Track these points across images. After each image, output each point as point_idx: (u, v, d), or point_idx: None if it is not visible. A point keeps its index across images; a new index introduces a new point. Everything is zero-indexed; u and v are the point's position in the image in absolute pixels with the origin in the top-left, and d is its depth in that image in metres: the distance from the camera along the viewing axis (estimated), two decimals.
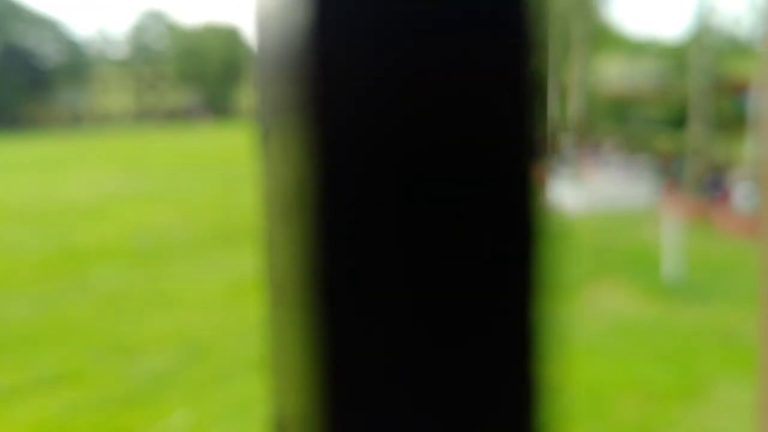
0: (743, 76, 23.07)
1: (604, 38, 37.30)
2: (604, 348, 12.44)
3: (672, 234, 16.21)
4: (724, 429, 9.59)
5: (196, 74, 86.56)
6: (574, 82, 29.49)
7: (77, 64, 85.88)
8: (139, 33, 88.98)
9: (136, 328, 14.00)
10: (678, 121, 31.60)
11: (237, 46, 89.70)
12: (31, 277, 17.25)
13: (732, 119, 29.29)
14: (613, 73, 41.42)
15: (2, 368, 10.39)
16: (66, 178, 39.16)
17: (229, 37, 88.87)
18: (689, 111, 24.52)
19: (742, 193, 21.83)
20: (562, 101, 35.95)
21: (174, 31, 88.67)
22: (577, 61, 28.96)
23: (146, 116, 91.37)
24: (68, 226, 25.33)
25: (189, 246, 21.32)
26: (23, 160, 51.12)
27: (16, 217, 27.48)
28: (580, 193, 25.54)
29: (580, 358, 12.03)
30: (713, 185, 24.15)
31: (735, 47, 22.28)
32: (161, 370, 11.78)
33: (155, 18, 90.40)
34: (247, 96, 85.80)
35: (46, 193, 33.51)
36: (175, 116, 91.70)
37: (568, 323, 13.65)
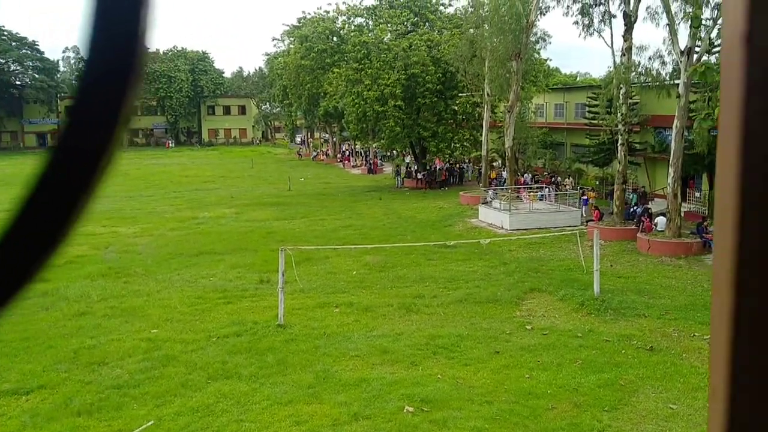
0: (668, 113, 23.85)
1: (540, 75, 38.05)
2: (540, 357, 12.58)
3: (599, 255, 16.55)
4: None
5: (163, 98, 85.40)
6: (510, 117, 30.02)
7: (48, 85, 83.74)
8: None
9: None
10: (606, 152, 32.37)
11: (204, 71, 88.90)
12: None
13: (656, 152, 30.14)
14: (548, 108, 42.23)
15: None
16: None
17: (197, 63, 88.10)
18: (615, 144, 25.19)
19: (662, 220, 22.44)
20: (499, 133, 36.58)
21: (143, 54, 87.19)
22: (514, 96, 29.54)
23: None
24: None
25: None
26: None
27: None
28: (515, 216, 26.01)
29: (516, 367, 12.13)
30: (638, 212, 24.81)
31: (661, 86, 22.91)
32: None
33: None
34: (208, 121, 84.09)
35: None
36: (142, 138, 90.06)
37: (507, 335, 13.75)
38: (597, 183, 33.62)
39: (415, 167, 42.43)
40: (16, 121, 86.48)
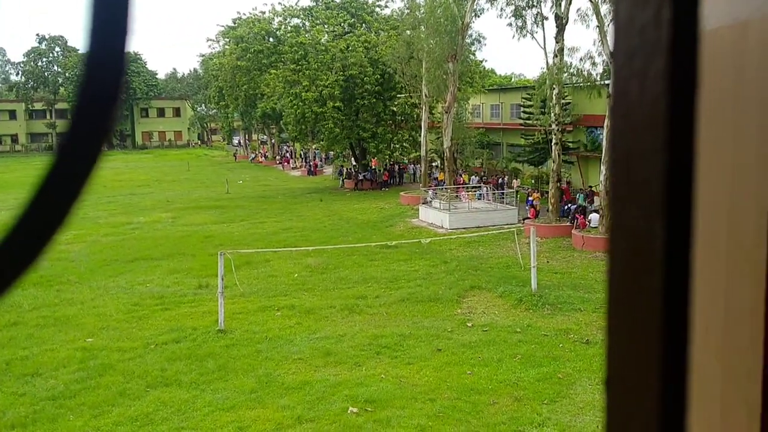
0: (600, 113, 24.57)
1: (476, 76, 38.61)
2: (481, 353, 12.78)
3: (536, 252, 16.93)
4: (584, 426, 10.04)
5: None
6: (447, 117, 30.39)
7: None
8: (36, 57, 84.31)
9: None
10: (541, 151, 33.11)
11: (137, 72, 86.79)
12: None
13: (588, 150, 31.01)
14: (484, 109, 42.93)
15: None
16: None
17: (129, 64, 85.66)
18: (549, 143, 25.82)
19: (596, 216, 23.12)
20: (437, 134, 36.97)
21: (73, 55, 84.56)
22: (451, 97, 29.93)
23: (40, 141, 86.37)
24: None
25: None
26: None
27: None
28: (454, 216, 26.35)
29: (458, 364, 12.29)
30: (571, 209, 25.48)
31: (592, 86, 23.57)
32: None
33: (54, 42, 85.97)
34: (138, 124, 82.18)
35: None
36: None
37: (449, 332, 13.93)
38: (533, 182, 34.33)
39: (356, 168, 42.46)
40: None
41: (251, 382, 11.68)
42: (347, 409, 10.49)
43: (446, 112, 31.08)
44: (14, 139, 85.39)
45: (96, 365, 12.55)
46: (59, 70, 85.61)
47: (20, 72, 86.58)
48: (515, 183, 33.96)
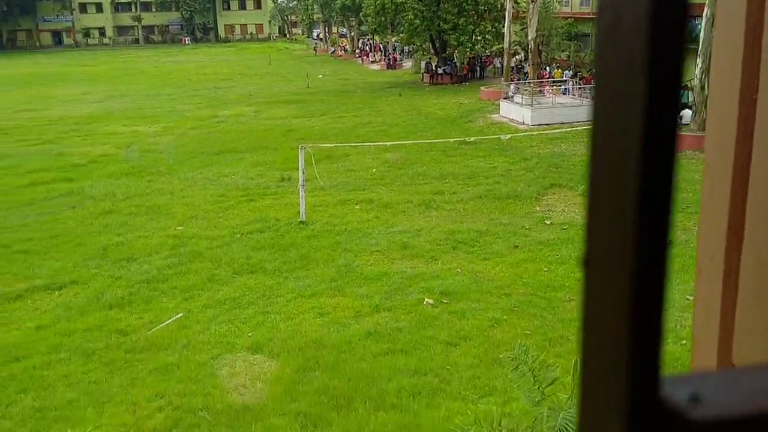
0: (698, 1, 22.87)
1: None
2: (558, 251, 12.73)
3: None
4: None
5: None
6: (533, 7, 28.95)
7: None
8: None
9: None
10: None
11: None
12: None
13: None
14: None
15: None
16: (51, 95, 37.95)
17: None
18: None
19: (688, 113, 21.96)
20: (522, 24, 35.39)
21: None
22: None
23: (126, 35, 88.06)
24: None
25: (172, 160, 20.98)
26: (9, 75, 49.32)
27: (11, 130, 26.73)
28: (537, 111, 25.59)
29: (534, 261, 12.31)
30: None
31: None
32: None
33: None
34: (225, 19, 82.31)
35: (33, 108, 32.49)
36: (158, 35, 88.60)
37: (526, 227, 13.89)
38: None
39: (435, 62, 41.49)
40: (29, 19, 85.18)
41: (331, 272, 12.08)
42: (423, 300, 10.77)
43: (532, 1, 29.59)
44: (102, 32, 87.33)
45: (186, 252, 13.23)
46: None
47: None
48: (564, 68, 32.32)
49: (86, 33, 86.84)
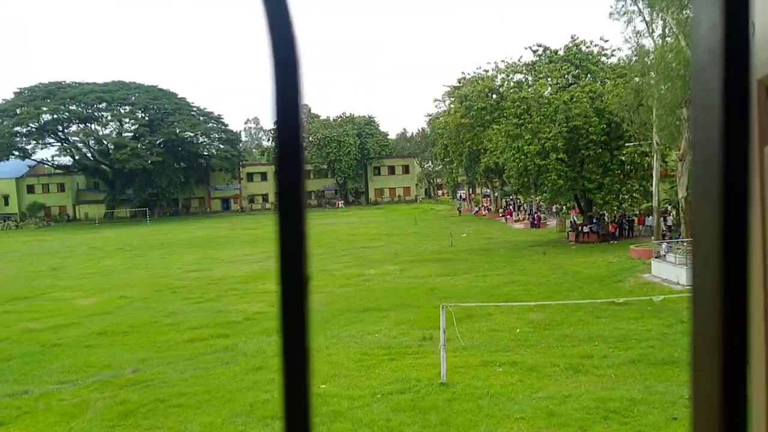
0: None
1: None
2: None
3: None
4: None
5: (333, 161, 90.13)
6: (682, 165, 28.33)
7: (231, 154, 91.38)
8: None
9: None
10: None
11: (371, 134, 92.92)
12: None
13: None
14: None
15: None
16: (217, 257, 41.12)
17: (364, 127, 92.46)
18: None
19: None
20: (671, 184, 34.58)
21: (315, 121, 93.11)
22: (685, 144, 27.91)
23: None
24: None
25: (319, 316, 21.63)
26: (182, 239, 54.33)
27: (183, 289, 28.95)
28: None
29: None
30: None
31: None
32: None
33: None
34: (372, 182, 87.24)
35: (200, 269, 35.23)
36: (314, 199, 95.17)
37: None
38: None
39: (581, 221, 41.05)
40: (204, 188, 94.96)
41: None
42: None
43: (680, 160, 29.06)
44: (265, 198, 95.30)
45: (328, 411, 13.24)
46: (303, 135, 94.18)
47: (271, 138, 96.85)
48: None
49: (251, 199, 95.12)
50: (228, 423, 12.84)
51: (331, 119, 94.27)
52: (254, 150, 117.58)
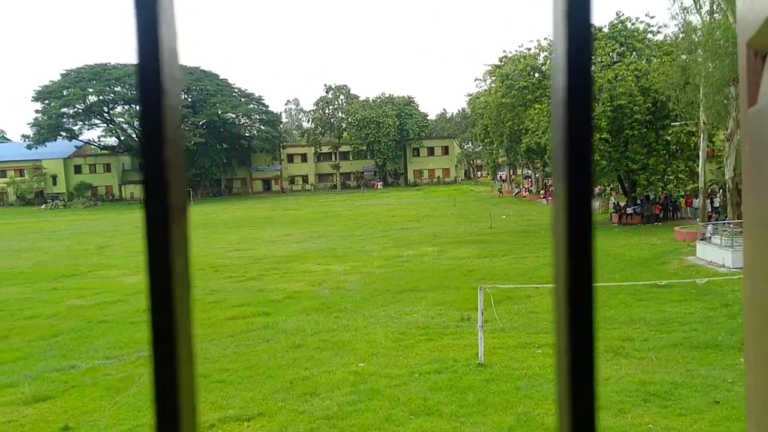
0: None
1: None
2: None
3: None
4: None
5: (373, 142, 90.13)
6: (729, 145, 27.59)
7: (272, 135, 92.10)
8: (324, 105, 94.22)
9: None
10: None
11: (410, 115, 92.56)
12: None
13: None
14: None
15: None
16: (258, 237, 41.68)
17: (403, 107, 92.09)
18: None
19: None
20: (718, 163, 33.72)
21: (354, 102, 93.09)
22: (733, 123, 27.16)
23: (326, 181, 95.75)
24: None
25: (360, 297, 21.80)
26: (225, 219, 55.14)
27: (223, 267, 29.46)
28: (738, 253, 23.63)
29: (739, 419, 10.99)
30: None
31: None
32: None
33: (338, 91, 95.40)
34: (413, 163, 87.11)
35: (242, 248, 35.76)
36: (353, 181, 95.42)
37: None
38: None
39: (625, 202, 40.40)
40: (245, 169, 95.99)
41: (510, 420, 11.56)
42: None
43: (728, 140, 28.31)
44: (305, 179, 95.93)
45: (365, 389, 13.39)
46: (343, 116, 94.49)
47: (311, 119, 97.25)
48: None
49: (291, 180, 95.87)
50: (268, 399, 13.09)
51: (371, 100, 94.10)
52: (294, 131, 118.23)
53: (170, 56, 0.41)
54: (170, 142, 0.40)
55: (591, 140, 0.39)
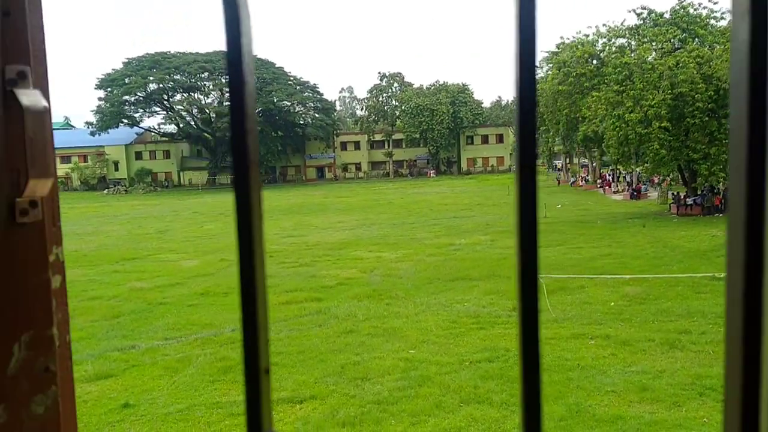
0: None
1: None
2: None
3: None
4: None
5: (426, 130, 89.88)
6: None
7: (326, 123, 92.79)
8: (378, 92, 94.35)
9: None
10: None
11: (464, 103, 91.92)
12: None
13: None
14: None
15: None
16: (311, 223, 42.18)
17: (457, 95, 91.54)
18: None
19: None
20: None
21: (408, 90, 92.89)
22: None
23: (379, 169, 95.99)
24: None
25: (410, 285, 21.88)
26: (279, 206, 55.99)
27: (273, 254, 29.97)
28: None
29: None
30: None
31: None
32: None
33: (392, 78, 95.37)
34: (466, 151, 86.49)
35: (295, 234, 36.28)
36: (406, 169, 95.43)
37: None
38: None
39: (686, 192, 39.36)
40: (299, 156, 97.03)
41: (560, 410, 11.50)
42: None
43: None
44: (358, 166, 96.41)
45: (416, 376, 13.49)
46: (396, 103, 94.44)
47: (364, 107, 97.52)
48: None
49: (345, 168, 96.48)
50: (320, 382, 13.32)
51: (425, 87, 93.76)
52: (348, 119, 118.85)
53: (249, 51, 0.43)
54: (250, 132, 0.44)
55: None
